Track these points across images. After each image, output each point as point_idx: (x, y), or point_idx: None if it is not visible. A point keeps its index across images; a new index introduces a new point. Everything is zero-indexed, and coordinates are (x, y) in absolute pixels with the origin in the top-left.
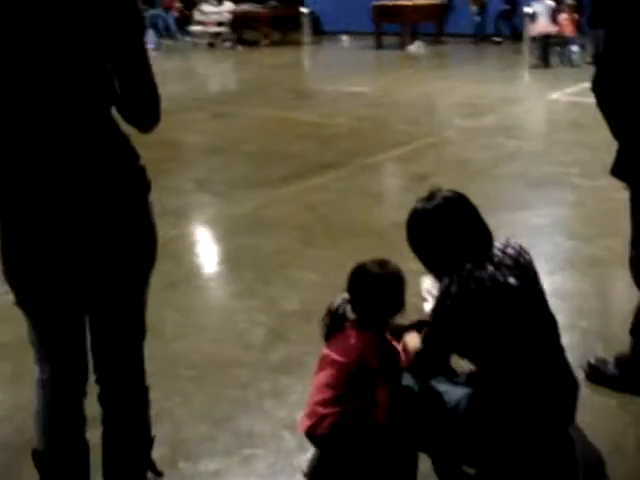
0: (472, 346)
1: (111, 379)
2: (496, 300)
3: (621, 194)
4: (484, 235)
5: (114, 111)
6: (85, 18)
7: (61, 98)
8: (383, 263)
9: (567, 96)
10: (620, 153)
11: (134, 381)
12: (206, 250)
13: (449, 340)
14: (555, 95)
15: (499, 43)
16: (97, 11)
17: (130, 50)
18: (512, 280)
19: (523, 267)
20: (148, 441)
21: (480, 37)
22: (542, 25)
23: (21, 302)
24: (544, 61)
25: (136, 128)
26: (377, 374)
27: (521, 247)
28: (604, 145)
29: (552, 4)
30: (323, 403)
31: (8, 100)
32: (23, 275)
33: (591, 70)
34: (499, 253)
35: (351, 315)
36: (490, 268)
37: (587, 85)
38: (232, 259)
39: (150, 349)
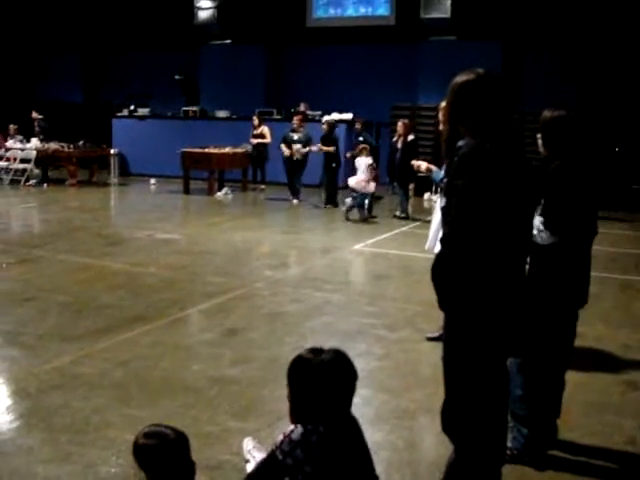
0: None
1: None
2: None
3: (422, 345)
4: (347, 403)
5: None
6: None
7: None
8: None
9: (368, 247)
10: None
11: None
12: (15, 411)
13: None
14: (358, 246)
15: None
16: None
17: None
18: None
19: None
20: None
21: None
22: (362, 181)
23: None
24: (350, 212)
25: None
26: None
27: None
28: (403, 297)
29: (370, 162)
30: None
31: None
32: None
33: (388, 223)
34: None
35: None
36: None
37: (384, 237)
38: (45, 420)
39: None
